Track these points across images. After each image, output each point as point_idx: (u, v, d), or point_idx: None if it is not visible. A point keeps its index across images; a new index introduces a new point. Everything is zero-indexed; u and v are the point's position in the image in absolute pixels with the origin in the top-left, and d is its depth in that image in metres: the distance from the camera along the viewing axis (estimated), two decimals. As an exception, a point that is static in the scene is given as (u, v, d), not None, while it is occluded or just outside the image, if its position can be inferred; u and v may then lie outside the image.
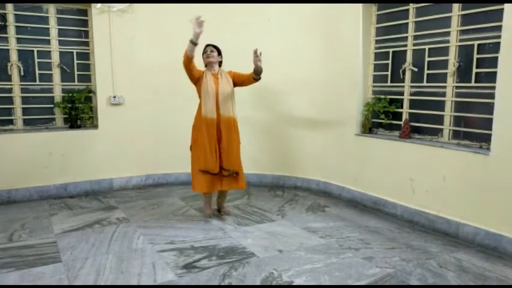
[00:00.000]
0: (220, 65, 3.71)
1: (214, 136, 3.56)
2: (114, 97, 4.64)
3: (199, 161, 3.59)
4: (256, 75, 3.58)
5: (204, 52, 3.63)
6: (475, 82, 3.37)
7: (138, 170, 4.91)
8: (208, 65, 3.64)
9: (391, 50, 4.05)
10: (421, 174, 3.64)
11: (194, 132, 3.66)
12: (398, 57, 4.00)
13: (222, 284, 2.60)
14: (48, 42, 4.47)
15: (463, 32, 3.45)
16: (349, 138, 4.32)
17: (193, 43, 3.37)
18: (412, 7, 3.82)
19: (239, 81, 3.69)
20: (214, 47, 3.66)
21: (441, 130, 3.66)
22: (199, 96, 3.62)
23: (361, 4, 4.11)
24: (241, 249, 3.12)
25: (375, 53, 4.23)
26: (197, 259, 2.94)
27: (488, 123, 3.18)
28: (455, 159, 3.35)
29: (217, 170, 3.59)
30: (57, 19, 4.48)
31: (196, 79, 3.60)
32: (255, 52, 3.48)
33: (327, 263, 2.89)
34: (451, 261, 2.94)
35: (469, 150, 3.27)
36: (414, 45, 3.85)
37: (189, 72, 3.54)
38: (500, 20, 3.03)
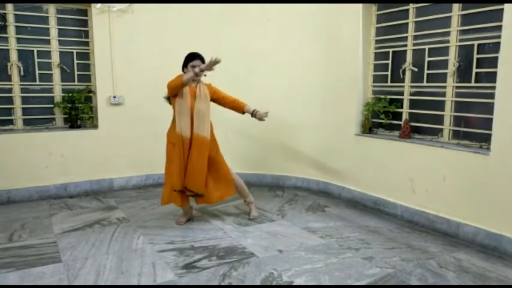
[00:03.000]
0: None
1: (185, 155, 3.39)
2: (114, 97, 4.64)
3: (172, 179, 3.43)
4: (244, 112, 3.58)
5: (192, 65, 3.34)
6: (475, 82, 3.37)
7: (138, 170, 4.91)
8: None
9: (391, 50, 4.05)
10: (421, 174, 3.64)
11: (169, 147, 3.49)
12: (398, 57, 4.00)
13: (222, 284, 2.60)
14: (48, 42, 4.47)
15: (463, 32, 3.45)
16: (349, 138, 4.32)
17: (193, 79, 3.30)
18: (412, 7, 3.81)
19: (220, 102, 3.58)
20: (203, 60, 3.39)
21: (441, 130, 3.66)
22: (174, 110, 3.43)
23: (361, 4, 4.11)
24: (241, 249, 3.12)
25: (375, 53, 4.22)
26: (197, 259, 2.94)
27: (488, 123, 3.18)
28: (455, 159, 3.35)
29: (180, 188, 3.45)
30: (57, 19, 4.48)
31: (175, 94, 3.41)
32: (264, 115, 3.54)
33: (327, 263, 2.89)
34: (451, 261, 2.94)
35: (469, 150, 3.27)
36: (414, 45, 3.85)
37: (174, 92, 3.36)
38: (500, 20, 3.03)
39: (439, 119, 3.67)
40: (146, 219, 3.77)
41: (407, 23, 3.88)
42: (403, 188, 3.79)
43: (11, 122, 4.41)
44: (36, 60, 4.42)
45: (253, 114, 3.60)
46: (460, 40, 3.47)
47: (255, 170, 4.96)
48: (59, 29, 4.50)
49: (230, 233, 3.47)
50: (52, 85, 4.55)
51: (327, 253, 3.06)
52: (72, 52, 4.59)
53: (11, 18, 4.27)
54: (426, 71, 3.74)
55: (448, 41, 3.55)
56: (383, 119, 4.09)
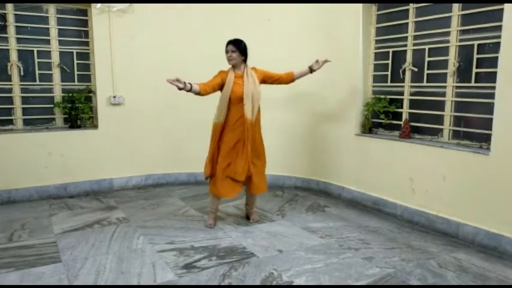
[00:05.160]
0: (244, 62, 3.47)
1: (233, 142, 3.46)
2: (114, 97, 4.64)
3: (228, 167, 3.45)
4: (296, 78, 3.69)
5: (226, 52, 3.43)
6: (475, 82, 3.37)
7: (138, 170, 4.91)
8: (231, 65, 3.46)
9: (391, 50, 4.05)
10: (421, 174, 3.63)
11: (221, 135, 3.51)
12: (399, 57, 4.00)
13: (222, 284, 2.60)
14: (48, 42, 4.47)
15: (463, 32, 3.45)
16: (349, 138, 4.32)
17: (188, 91, 3.22)
18: (412, 7, 3.81)
19: (270, 81, 3.61)
20: (236, 45, 3.41)
21: (441, 130, 3.66)
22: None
23: (361, 4, 4.11)
24: (241, 249, 3.12)
25: (375, 53, 4.22)
26: (197, 259, 2.94)
27: (488, 123, 3.18)
28: (455, 159, 3.35)
29: (241, 179, 3.50)
30: (57, 19, 4.48)
31: (222, 86, 3.40)
32: (322, 61, 3.69)
33: (327, 263, 2.89)
34: (451, 261, 2.94)
35: (469, 150, 3.27)
36: (414, 45, 3.85)
37: (212, 91, 3.38)
38: (500, 20, 3.03)
39: (439, 119, 3.66)
40: (146, 219, 3.77)
41: (407, 23, 3.88)
42: (403, 188, 3.79)
43: (11, 122, 4.41)
44: (36, 60, 4.42)
45: (312, 69, 3.69)
46: (460, 40, 3.47)
47: (255, 170, 4.95)
48: (59, 29, 4.50)
49: (230, 233, 3.46)
50: (52, 85, 4.55)
51: (327, 253, 3.06)
52: (72, 52, 4.59)
53: (11, 18, 4.27)
54: (426, 71, 3.74)
55: (448, 41, 3.55)
56: (383, 119, 4.09)
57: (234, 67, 3.46)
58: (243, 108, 3.37)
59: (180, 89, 3.13)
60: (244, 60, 3.48)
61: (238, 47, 3.42)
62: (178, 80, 3.10)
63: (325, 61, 3.73)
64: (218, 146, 3.47)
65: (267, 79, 3.60)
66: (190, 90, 3.19)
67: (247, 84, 3.39)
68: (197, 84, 3.24)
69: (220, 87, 3.41)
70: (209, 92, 3.34)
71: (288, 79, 3.68)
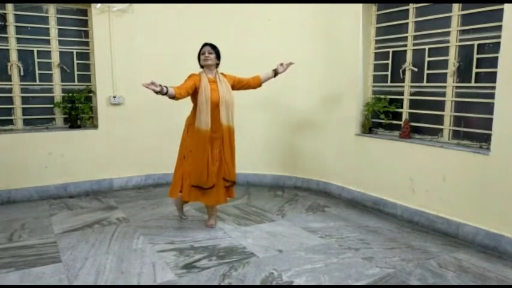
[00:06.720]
0: (217, 67, 3.44)
1: (209, 148, 3.34)
2: (114, 97, 4.64)
3: (191, 175, 3.35)
4: (262, 82, 3.64)
5: (202, 53, 3.38)
6: (475, 82, 3.37)
7: (138, 170, 4.91)
8: (205, 67, 3.39)
9: (391, 50, 4.05)
10: (421, 174, 3.64)
11: (188, 141, 3.41)
12: (399, 57, 4.00)
13: (222, 284, 2.60)
14: (48, 42, 4.47)
15: (463, 32, 3.45)
16: (349, 138, 4.32)
17: (164, 94, 3.07)
18: (412, 7, 3.81)
19: (238, 86, 3.54)
20: (213, 47, 3.40)
21: (441, 130, 3.66)
22: (195, 105, 3.35)
23: (361, 4, 4.11)
24: (241, 249, 3.12)
25: (375, 53, 4.22)
26: (197, 259, 2.94)
27: (488, 123, 3.18)
28: (455, 159, 3.35)
29: (211, 185, 3.37)
30: (57, 19, 4.48)
31: (194, 89, 3.28)
32: (287, 64, 3.66)
33: (326, 263, 2.89)
34: (451, 261, 2.94)
35: (469, 150, 3.27)
36: (414, 45, 3.85)
37: (187, 95, 3.24)
38: (500, 20, 3.03)
39: (439, 119, 3.67)
40: (146, 219, 3.77)
41: (407, 23, 3.88)
42: (403, 188, 3.79)
43: (11, 122, 4.41)
44: (36, 60, 4.41)
45: (276, 73, 3.68)
46: (460, 40, 3.47)
47: (255, 170, 4.96)
48: (59, 29, 4.50)
49: (230, 233, 3.46)
50: (52, 85, 4.55)
51: (327, 253, 3.06)
52: (72, 52, 4.59)
53: (11, 18, 4.27)
54: (426, 71, 3.74)
55: (448, 41, 3.55)
56: (383, 119, 4.09)
57: (206, 69, 3.37)
58: (219, 114, 3.33)
59: (156, 92, 3.02)
60: (217, 65, 3.45)
61: (215, 50, 3.40)
62: (153, 84, 3.00)
63: (290, 64, 3.70)
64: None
65: (236, 84, 3.52)
66: (166, 94, 3.05)
67: (222, 90, 3.33)
68: (172, 87, 3.12)
69: (193, 91, 3.29)
70: (184, 95, 3.20)
71: (255, 83, 3.63)
